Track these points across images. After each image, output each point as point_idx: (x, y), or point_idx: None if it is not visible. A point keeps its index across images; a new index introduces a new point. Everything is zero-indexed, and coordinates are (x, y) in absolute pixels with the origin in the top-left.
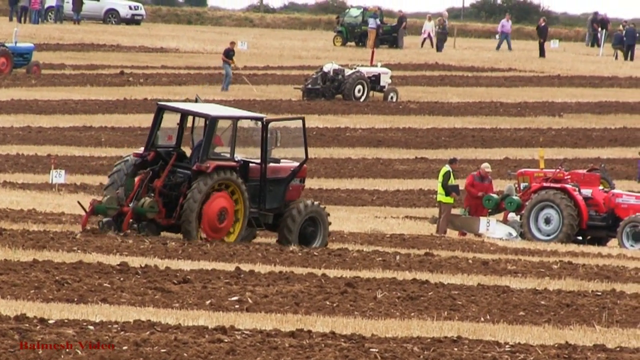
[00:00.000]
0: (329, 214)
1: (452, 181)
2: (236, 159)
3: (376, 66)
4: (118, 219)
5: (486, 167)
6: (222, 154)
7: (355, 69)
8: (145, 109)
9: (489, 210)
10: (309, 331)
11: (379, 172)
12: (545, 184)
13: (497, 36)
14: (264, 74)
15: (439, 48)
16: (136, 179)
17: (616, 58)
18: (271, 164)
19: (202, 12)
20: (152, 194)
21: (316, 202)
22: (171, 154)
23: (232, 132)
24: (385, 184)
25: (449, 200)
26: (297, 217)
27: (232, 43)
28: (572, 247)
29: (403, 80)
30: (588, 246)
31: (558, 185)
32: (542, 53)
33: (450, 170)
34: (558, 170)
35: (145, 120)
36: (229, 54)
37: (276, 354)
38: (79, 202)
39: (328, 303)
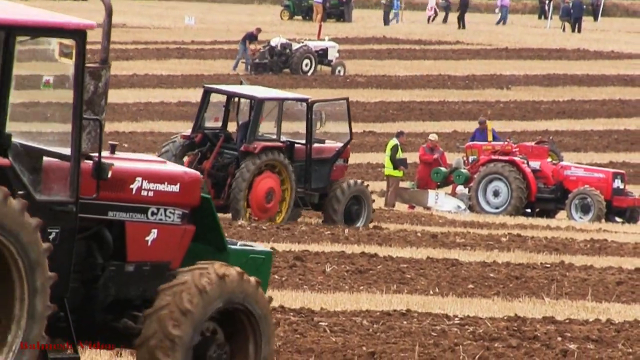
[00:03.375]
0: (372, 192)
1: (400, 154)
2: (282, 140)
3: (324, 40)
4: None
5: (433, 137)
6: (265, 135)
7: (302, 43)
8: None
9: (438, 183)
10: None
11: None
12: (493, 157)
13: (496, 10)
14: (212, 48)
15: (386, 22)
16: (185, 160)
17: (564, 30)
18: (316, 145)
19: None
20: (202, 176)
21: (359, 181)
22: (218, 135)
23: (278, 113)
24: None
25: (397, 173)
26: (341, 196)
27: (258, 29)
28: (521, 219)
29: (350, 54)
30: (537, 218)
31: (506, 158)
32: (460, 25)
33: (398, 144)
34: (506, 142)
35: None
36: (250, 37)
37: None
38: None
39: (277, 277)
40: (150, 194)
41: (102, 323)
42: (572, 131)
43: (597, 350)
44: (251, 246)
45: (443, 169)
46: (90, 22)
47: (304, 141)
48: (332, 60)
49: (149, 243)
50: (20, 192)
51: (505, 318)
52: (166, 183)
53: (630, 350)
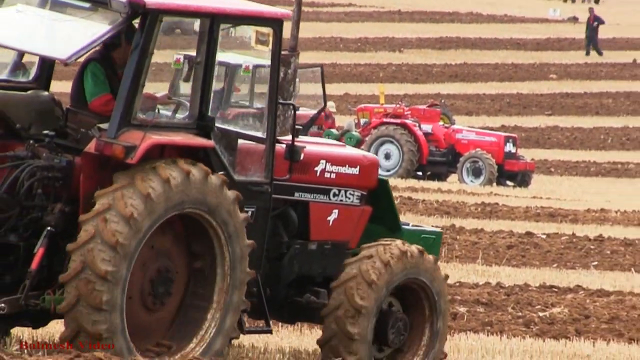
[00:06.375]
0: None
1: None
2: (255, 107)
3: None
4: None
5: (331, 106)
6: (240, 102)
7: None
8: None
9: None
10: None
11: None
12: (385, 120)
13: None
14: None
15: None
16: None
17: None
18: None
19: None
20: None
21: None
22: None
23: (252, 80)
24: None
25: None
26: None
27: None
28: (412, 182)
29: None
30: (428, 181)
31: (398, 121)
32: None
33: None
34: (398, 105)
35: None
36: None
37: None
38: None
39: None
40: (333, 176)
41: (285, 298)
42: (464, 94)
43: (486, 313)
44: (422, 227)
45: (334, 131)
46: (286, 11)
47: None
48: None
49: (330, 223)
50: (220, 173)
51: None
52: (347, 166)
53: (520, 313)
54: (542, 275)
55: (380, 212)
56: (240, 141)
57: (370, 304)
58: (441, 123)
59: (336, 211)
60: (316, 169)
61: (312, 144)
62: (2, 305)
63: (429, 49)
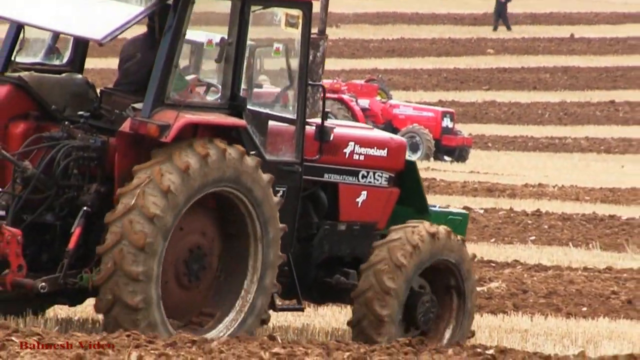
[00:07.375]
0: None
1: None
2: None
3: None
4: None
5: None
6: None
7: None
8: None
9: None
10: None
11: None
12: None
13: None
14: None
15: None
16: None
17: None
18: (255, 90)
19: None
20: None
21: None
22: None
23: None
24: None
25: None
26: None
27: None
28: None
29: None
30: None
31: (335, 96)
32: None
33: None
34: (335, 81)
35: None
36: None
37: None
38: None
39: None
40: (362, 157)
41: (315, 279)
42: (401, 70)
43: None
44: (449, 209)
45: None
46: None
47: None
48: None
49: (359, 204)
50: (252, 152)
51: None
52: (375, 148)
53: None
54: (480, 250)
55: (408, 193)
56: (271, 122)
57: (399, 286)
58: (378, 98)
59: (365, 192)
60: (345, 150)
61: (341, 126)
62: (43, 284)
63: (366, 24)
